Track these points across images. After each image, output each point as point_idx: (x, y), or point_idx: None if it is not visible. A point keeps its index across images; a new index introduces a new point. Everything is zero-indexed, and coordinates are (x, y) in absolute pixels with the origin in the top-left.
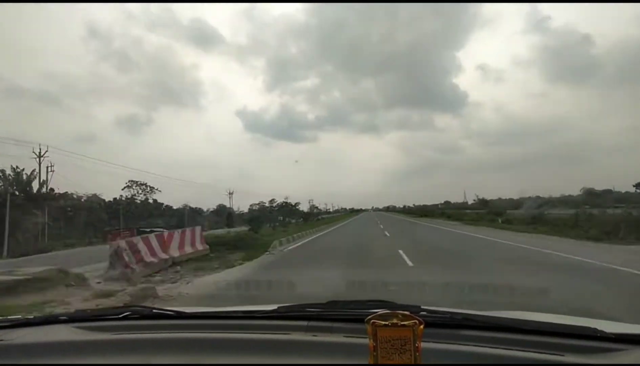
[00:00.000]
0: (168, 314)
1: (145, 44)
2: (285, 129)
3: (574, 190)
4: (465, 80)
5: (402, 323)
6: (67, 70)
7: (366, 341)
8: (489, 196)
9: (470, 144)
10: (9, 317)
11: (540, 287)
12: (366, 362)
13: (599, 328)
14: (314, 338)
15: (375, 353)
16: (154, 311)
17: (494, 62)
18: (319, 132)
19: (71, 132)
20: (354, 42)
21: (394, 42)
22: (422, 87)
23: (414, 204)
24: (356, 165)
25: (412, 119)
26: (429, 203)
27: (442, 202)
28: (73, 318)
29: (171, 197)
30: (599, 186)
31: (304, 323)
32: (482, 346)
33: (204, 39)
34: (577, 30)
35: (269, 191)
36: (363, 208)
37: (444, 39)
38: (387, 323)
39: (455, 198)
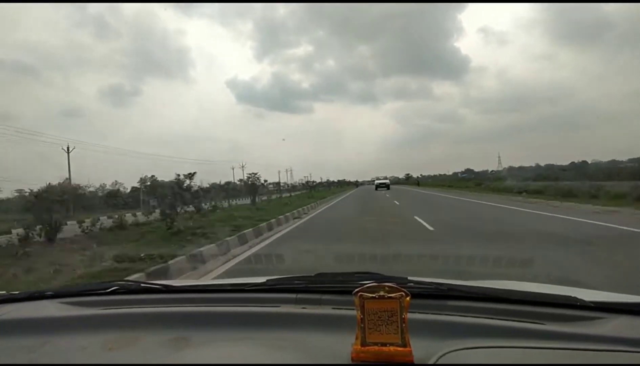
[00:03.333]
0: (156, 288)
1: (123, 8)
2: (279, 99)
3: (569, 160)
4: (467, 43)
5: (389, 295)
6: (42, 39)
7: (354, 313)
8: (488, 166)
9: (469, 112)
10: None
11: None
12: (354, 333)
13: (579, 297)
14: (303, 310)
15: (362, 325)
16: (142, 285)
17: (497, 23)
18: (314, 102)
19: (54, 106)
20: (346, 1)
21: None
22: (421, 52)
23: (420, 175)
24: (353, 136)
25: (410, 87)
26: (426, 172)
27: (463, 170)
28: (59, 294)
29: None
30: (597, 157)
31: (293, 295)
32: (466, 316)
33: None
34: None
35: (265, 163)
36: (360, 181)
37: None
38: (374, 295)
39: (452, 168)
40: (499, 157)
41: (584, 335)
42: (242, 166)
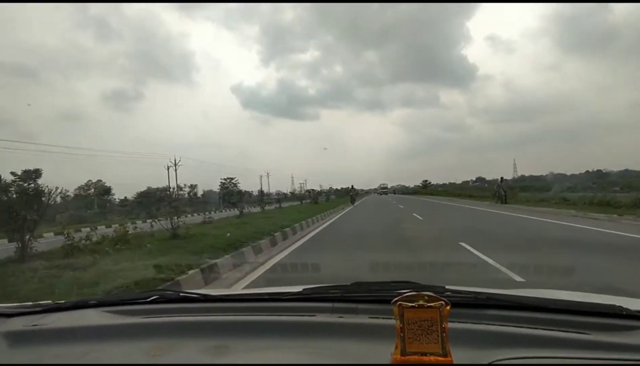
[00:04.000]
0: (194, 297)
1: (125, 9)
2: (285, 105)
3: (581, 169)
4: (474, 51)
5: (429, 304)
6: (42, 41)
7: (391, 322)
8: (500, 175)
9: (477, 121)
10: (40, 302)
11: None
12: (393, 343)
13: (624, 306)
14: (340, 320)
15: (402, 334)
16: (181, 294)
17: (505, 31)
18: (321, 109)
19: (54, 110)
20: (354, 7)
21: (397, 8)
22: (429, 60)
23: (424, 182)
24: (361, 144)
25: (418, 95)
26: (434, 181)
27: (475, 178)
28: (102, 303)
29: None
30: (608, 167)
31: (329, 304)
32: (506, 326)
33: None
34: None
35: (270, 169)
36: (365, 189)
37: (452, 4)
38: (413, 304)
39: (461, 177)
40: (515, 164)
41: (632, 345)
42: (268, 174)
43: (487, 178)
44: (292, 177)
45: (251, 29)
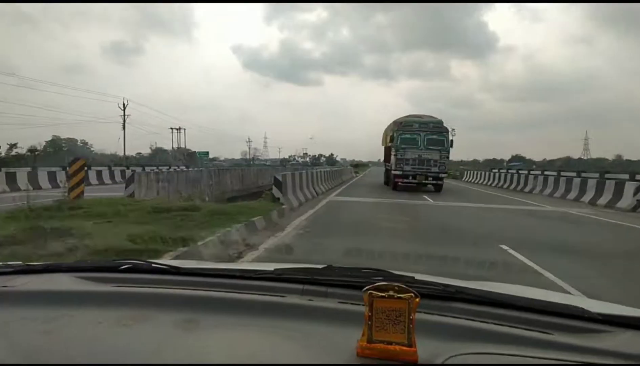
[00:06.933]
0: (166, 269)
1: None
2: (287, 68)
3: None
4: (497, 18)
5: (399, 295)
6: None
7: (359, 308)
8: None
9: (488, 98)
10: (9, 263)
11: None
12: (360, 329)
13: (586, 308)
14: (310, 303)
15: (370, 322)
16: (153, 265)
17: None
18: (324, 74)
19: (55, 60)
20: None
21: None
22: (444, 24)
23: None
24: (364, 115)
25: (428, 65)
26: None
27: (510, 156)
28: (73, 268)
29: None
30: (630, 154)
31: (300, 286)
32: (472, 320)
33: None
34: None
35: (270, 135)
36: (364, 161)
37: None
38: (383, 294)
39: (465, 155)
40: (586, 140)
41: (592, 348)
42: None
43: (498, 158)
44: (278, 148)
45: None
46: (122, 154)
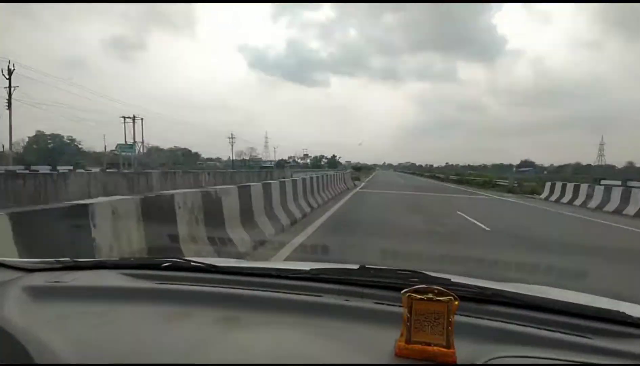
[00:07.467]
0: (204, 267)
1: None
2: (294, 68)
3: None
4: (505, 20)
5: (438, 298)
6: None
7: (396, 309)
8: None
9: (494, 102)
10: (60, 259)
11: None
12: (396, 329)
13: (628, 313)
14: (346, 303)
15: (408, 324)
16: (192, 263)
17: None
18: (331, 75)
19: (55, 55)
20: None
21: None
22: (452, 26)
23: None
24: (371, 117)
25: (435, 67)
26: (443, 163)
27: (519, 162)
28: (119, 265)
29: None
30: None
31: (336, 286)
32: (510, 323)
33: None
34: None
35: (274, 137)
36: (369, 164)
37: None
38: (423, 297)
39: (470, 159)
40: (602, 145)
41: (632, 353)
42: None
43: (505, 163)
44: (273, 148)
45: None
46: (117, 151)
